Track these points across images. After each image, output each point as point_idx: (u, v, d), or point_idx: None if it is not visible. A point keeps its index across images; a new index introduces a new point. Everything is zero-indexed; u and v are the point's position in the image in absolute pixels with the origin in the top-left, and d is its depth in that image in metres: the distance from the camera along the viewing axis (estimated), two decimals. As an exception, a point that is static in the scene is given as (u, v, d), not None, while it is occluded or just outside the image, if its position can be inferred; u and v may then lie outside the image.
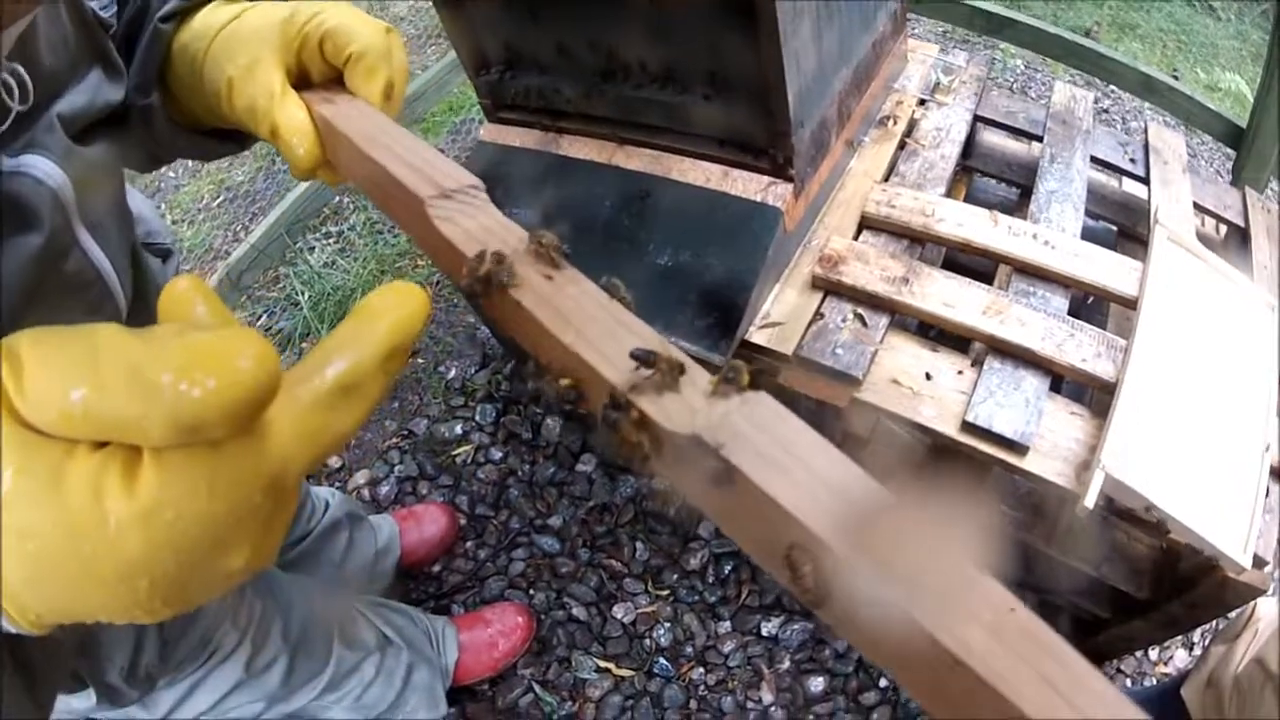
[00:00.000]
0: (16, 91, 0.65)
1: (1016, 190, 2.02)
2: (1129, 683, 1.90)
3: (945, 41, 3.42)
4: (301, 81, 0.78)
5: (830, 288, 1.54)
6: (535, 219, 1.60)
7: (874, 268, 1.52)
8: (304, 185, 2.89)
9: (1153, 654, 1.94)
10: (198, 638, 1.27)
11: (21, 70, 0.66)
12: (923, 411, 1.41)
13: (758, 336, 1.50)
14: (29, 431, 0.38)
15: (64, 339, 0.38)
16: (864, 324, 1.50)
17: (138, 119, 0.86)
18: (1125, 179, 1.89)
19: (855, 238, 1.62)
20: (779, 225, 1.40)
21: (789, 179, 1.41)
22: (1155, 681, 1.90)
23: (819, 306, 1.53)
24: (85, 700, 1.12)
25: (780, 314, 1.52)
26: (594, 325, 0.54)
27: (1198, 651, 1.97)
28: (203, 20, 0.81)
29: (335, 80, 0.79)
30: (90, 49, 0.79)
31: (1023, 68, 3.47)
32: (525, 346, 0.58)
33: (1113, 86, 3.14)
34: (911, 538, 0.41)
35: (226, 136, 0.91)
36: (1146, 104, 2.91)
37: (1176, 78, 2.88)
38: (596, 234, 1.54)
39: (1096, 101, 3.08)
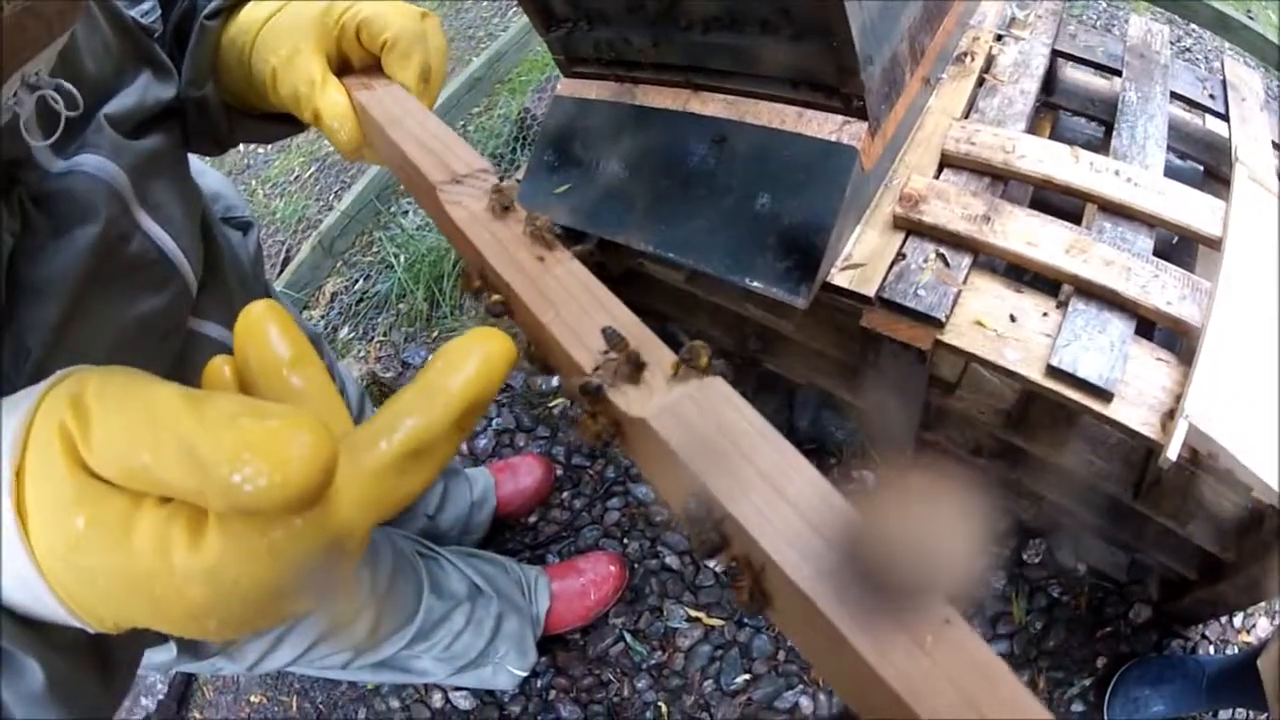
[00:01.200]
0: (62, 101, 0.69)
1: (1102, 127, 1.98)
2: (1211, 650, 1.88)
3: None
4: (343, 68, 0.83)
5: (911, 227, 1.53)
6: (616, 169, 1.62)
7: (955, 206, 1.51)
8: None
9: (1236, 620, 1.91)
10: None
11: (66, 85, 0.69)
12: (1007, 355, 1.40)
13: (839, 278, 1.49)
14: (98, 482, 0.40)
15: (125, 397, 0.40)
16: (946, 264, 1.49)
17: (194, 111, 0.91)
18: (1208, 116, 1.84)
19: (936, 176, 1.60)
20: (855, 165, 1.40)
21: (863, 117, 1.40)
22: (1237, 650, 1.87)
23: (900, 247, 1.53)
24: (165, 653, 1.15)
25: (862, 255, 1.52)
26: (572, 305, 0.56)
27: None
28: (247, 15, 0.85)
29: (374, 66, 0.84)
30: (134, 53, 0.85)
31: (1104, 5, 3.39)
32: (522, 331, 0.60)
33: (1193, 25, 3.06)
34: (854, 542, 0.41)
35: (283, 119, 0.95)
36: (1226, 44, 2.84)
37: (1251, 17, 2.80)
38: (675, 181, 1.55)
39: (1178, 40, 3.01)
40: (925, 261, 1.50)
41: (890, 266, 1.50)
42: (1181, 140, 1.82)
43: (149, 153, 0.83)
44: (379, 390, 2.45)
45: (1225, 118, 1.73)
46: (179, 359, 0.88)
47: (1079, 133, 2.06)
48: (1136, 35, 1.86)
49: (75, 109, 0.70)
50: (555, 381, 2.48)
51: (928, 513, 0.38)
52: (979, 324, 1.44)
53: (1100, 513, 1.71)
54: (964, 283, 1.47)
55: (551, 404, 2.47)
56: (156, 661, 1.17)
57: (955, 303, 1.45)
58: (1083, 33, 1.89)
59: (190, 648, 1.17)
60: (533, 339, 0.59)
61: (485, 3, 3.87)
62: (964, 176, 1.60)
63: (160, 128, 0.87)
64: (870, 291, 1.48)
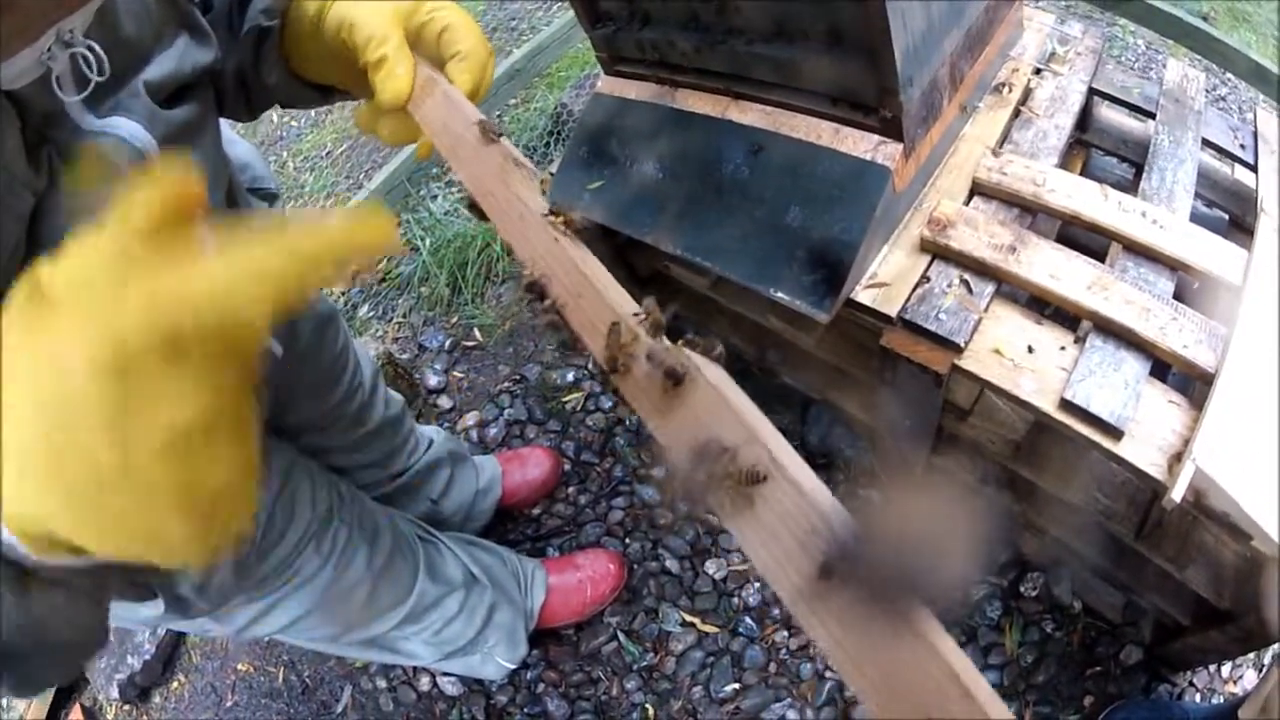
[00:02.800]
0: (95, 64, 0.73)
1: (1132, 169, 1.97)
2: (1198, 698, 1.87)
3: (1065, 14, 3.36)
4: None
5: (938, 251, 1.53)
6: (650, 170, 1.63)
7: (982, 234, 1.51)
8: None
9: (1225, 670, 1.90)
10: (277, 561, 1.31)
11: (97, 47, 0.72)
12: (1022, 385, 1.39)
13: (863, 296, 1.50)
14: None
15: None
16: (969, 290, 1.48)
17: (232, 78, 0.98)
18: (1237, 165, 1.83)
19: (966, 203, 1.60)
20: (888, 184, 1.40)
21: (899, 138, 1.41)
22: (1223, 699, 1.87)
23: (926, 270, 1.53)
24: (153, 609, 1.16)
25: (887, 274, 1.52)
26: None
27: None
28: None
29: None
30: (174, 17, 0.88)
31: (1143, 48, 3.39)
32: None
33: (1229, 74, 3.05)
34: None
35: (320, 90, 1.02)
36: (1260, 95, 2.83)
37: (1288, 70, 2.81)
38: (710, 186, 1.56)
39: (1214, 89, 3.01)
40: (949, 286, 1.50)
41: (914, 288, 1.50)
42: (1209, 187, 1.82)
43: (182, 123, 0.86)
44: (393, 370, 2.46)
45: (1254, 168, 1.72)
46: None
47: (1109, 172, 2.05)
48: (1173, 80, 1.85)
49: (103, 74, 0.74)
50: (571, 375, 2.50)
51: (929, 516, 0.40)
52: (997, 352, 1.44)
53: (1101, 550, 1.71)
54: (985, 310, 1.47)
55: (565, 398, 2.49)
56: (144, 616, 1.18)
57: (975, 329, 1.45)
58: (1120, 73, 1.88)
59: (177, 604, 1.17)
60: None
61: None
62: (993, 205, 1.60)
63: (195, 95, 0.91)
64: (893, 311, 1.48)
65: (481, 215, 0.83)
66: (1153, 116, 1.79)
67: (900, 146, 1.41)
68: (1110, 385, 1.34)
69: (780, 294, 1.45)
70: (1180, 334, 1.36)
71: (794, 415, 2.26)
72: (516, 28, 3.71)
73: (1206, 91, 1.86)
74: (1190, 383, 1.42)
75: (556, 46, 3.18)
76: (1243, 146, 1.77)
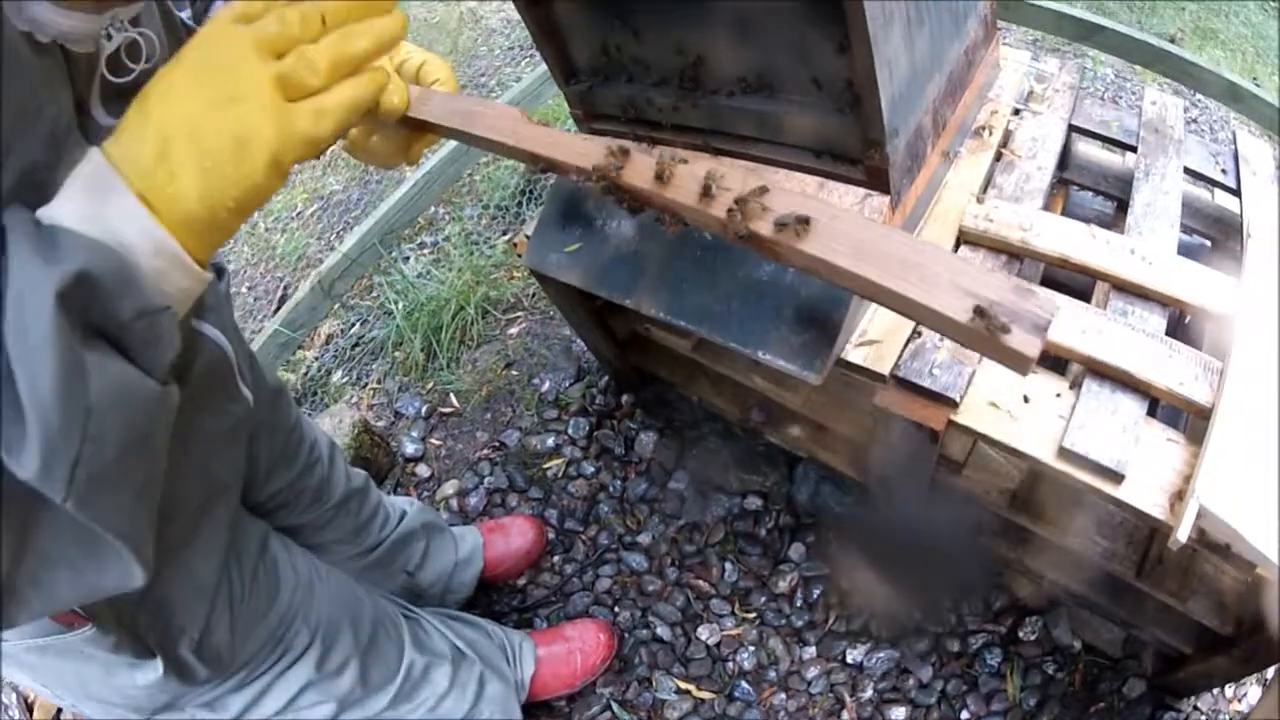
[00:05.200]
0: (144, 51, 0.81)
1: (1113, 203, 1.98)
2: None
3: (1036, 50, 3.39)
4: None
5: None
6: (627, 230, 1.59)
7: None
8: (399, 194, 2.94)
9: (1229, 690, 1.88)
10: (268, 631, 1.30)
11: (151, 34, 0.81)
12: (1020, 436, 1.37)
13: (854, 355, 1.47)
14: None
15: None
16: None
17: None
18: (1217, 190, 1.83)
19: (953, 252, 1.57)
20: (875, 238, 1.37)
21: (885, 190, 1.38)
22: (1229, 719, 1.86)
23: (917, 324, 1.49)
24: (151, 673, 1.13)
25: (877, 331, 1.49)
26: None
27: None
28: None
29: None
30: (175, 48, 0.84)
31: (1112, 76, 3.42)
32: None
33: (1199, 96, 3.08)
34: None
35: None
36: (1232, 113, 2.85)
37: (1258, 84, 2.82)
38: (691, 245, 1.52)
39: (1185, 110, 3.05)
40: (941, 340, 1.47)
41: (905, 344, 1.48)
42: (1191, 215, 1.82)
43: None
44: (370, 439, 2.40)
45: (1237, 192, 1.71)
46: (188, 353, 0.99)
47: (1088, 207, 2.05)
48: (1152, 110, 1.85)
49: (150, 60, 0.82)
50: (551, 441, 2.46)
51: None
52: (993, 404, 1.41)
53: (1100, 590, 1.69)
54: (979, 361, 1.44)
55: (546, 465, 2.43)
56: (140, 686, 1.15)
57: (970, 382, 1.43)
58: (1098, 107, 1.88)
59: (176, 667, 1.15)
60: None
61: (498, 51, 3.89)
62: (981, 254, 1.58)
63: None
64: (885, 369, 1.45)
65: (510, 154, 1.01)
66: (1133, 149, 1.78)
67: (887, 199, 1.38)
68: (1108, 430, 1.32)
69: (769, 356, 1.41)
70: (1176, 371, 1.35)
71: (780, 475, 2.23)
72: (486, 84, 3.72)
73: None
74: (1180, 414, 1.45)
75: (529, 102, 3.17)
76: (1224, 171, 1.77)
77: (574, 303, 1.95)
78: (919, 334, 1.49)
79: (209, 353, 1.10)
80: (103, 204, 0.62)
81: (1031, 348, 0.70)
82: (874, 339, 1.48)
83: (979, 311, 0.71)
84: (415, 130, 1.01)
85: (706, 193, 0.88)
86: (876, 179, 1.38)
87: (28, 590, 0.65)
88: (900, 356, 1.47)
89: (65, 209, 0.62)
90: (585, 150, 0.96)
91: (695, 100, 1.47)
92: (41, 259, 0.57)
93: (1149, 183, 1.69)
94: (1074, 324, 1.41)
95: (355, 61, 0.73)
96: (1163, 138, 1.78)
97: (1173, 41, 3.40)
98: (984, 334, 0.71)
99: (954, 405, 1.42)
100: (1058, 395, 1.40)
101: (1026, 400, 1.41)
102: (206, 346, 1.09)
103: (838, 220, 0.81)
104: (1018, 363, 0.72)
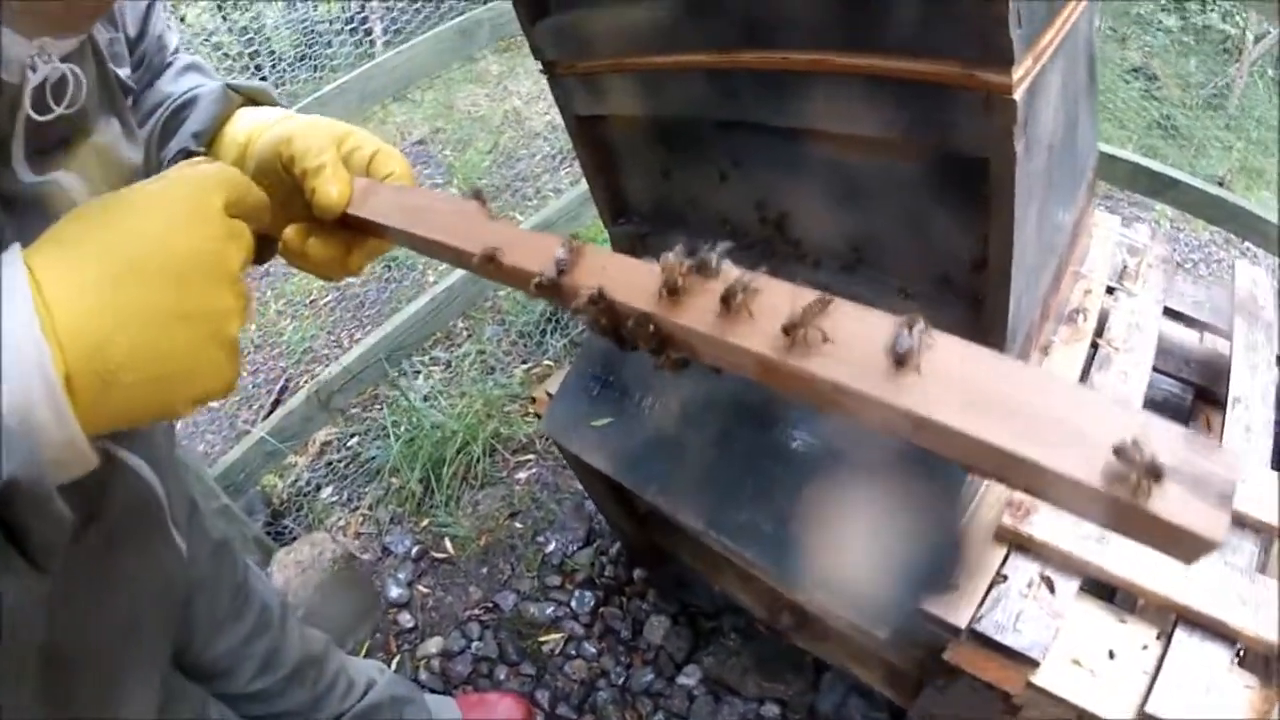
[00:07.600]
0: (70, 89, 0.72)
1: (1190, 389, 1.83)
2: None
3: (1109, 207, 3.35)
4: None
5: (1019, 542, 1.32)
6: (670, 413, 1.38)
7: (1069, 518, 1.26)
8: (415, 307, 2.76)
9: None
10: None
11: (80, 72, 0.72)
12: (1101, 700, 1.22)
13: (928, 603, 1.28)
14: None
15: None
16: (1051, 590, 1.28)
17: None
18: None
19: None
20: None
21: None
22: None
23: (1001, 566, 1.31)
24: None
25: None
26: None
27: None
28: (250, 118, 0.99)
29: None
30: (109, 104, 0.86)
31: (1168, 226, 3.46)
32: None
33: (1248, 244, 3.03)
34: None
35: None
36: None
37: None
38: (745, 445, 1.32)
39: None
40: (1029, 586, 1.29)
41: (987, 591, 1.28)
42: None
43: None
44: (351, 574, 2.23)
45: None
46: (100, 486, 0.86)
47: (1156, 388, 1.87)
48: (1244, 288, 1.78)
49: (73, 105, 0.73)
50: (551, 611, 2.27)
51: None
52: (1076, 662, 1.26)
53: None
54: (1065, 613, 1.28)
55: (543, 638, 2.23)
56: None
57: (1055, 637, 1.26)
58: (1190, 284, 1.83)
59: None
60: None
61: (539, 157, 3.82)
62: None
63: None
64: (962, 621, 1.25)
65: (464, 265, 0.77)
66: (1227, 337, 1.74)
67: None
68: (1194, 687, 1.20)
69: (827, 599, 1.20)
70: (1271, 614, 1.23)
71: (805, 682, 2.03)
72: (522, 190, 3.66)
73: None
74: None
75: (565, 222, 3.02)
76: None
77: (593, 474, 1.76)
78: (1004, 576, 1.30)
79: (131, 486, 0.95)
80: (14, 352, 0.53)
81: (1215, 526, 0.44)
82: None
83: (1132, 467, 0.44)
84: (358, 231, 0.90)
85: (727, 306, 0.58)
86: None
87: None
88: (980, 605, 1.27)
89: None
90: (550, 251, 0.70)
91: (772, 267, 1.26)
92: None
93: (1242, 378, 1.64)
94: (1174, 565, 1.21)
95: None
96: (1254, 319, 1.73)
97: (1221, 184, 3.35)
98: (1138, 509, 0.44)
99: (1035, 666, 1.24)
100: (1144, 647, 1.27)
101: (1112, 656, 1.26)
102: (129, 479, 0.94)
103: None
104: (1190, 548, 0.45)
